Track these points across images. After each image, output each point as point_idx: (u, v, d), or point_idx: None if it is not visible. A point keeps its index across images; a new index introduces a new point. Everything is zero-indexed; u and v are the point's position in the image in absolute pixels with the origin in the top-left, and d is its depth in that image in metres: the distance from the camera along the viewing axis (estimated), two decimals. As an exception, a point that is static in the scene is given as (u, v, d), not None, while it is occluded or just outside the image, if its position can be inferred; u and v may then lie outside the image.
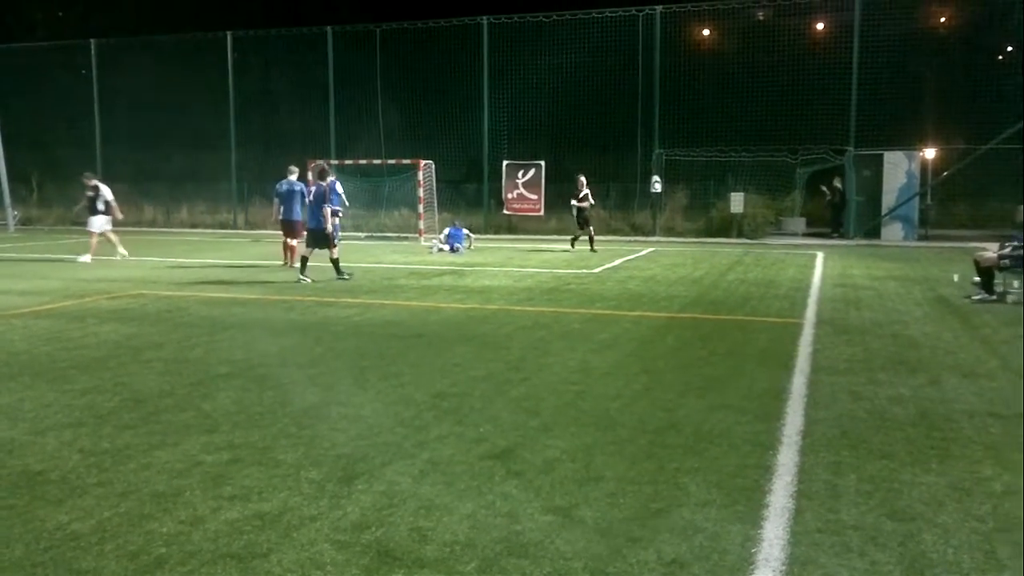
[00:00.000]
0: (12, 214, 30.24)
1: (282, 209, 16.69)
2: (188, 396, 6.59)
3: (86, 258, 17.79)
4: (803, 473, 4.84)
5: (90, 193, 18.44)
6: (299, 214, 16.35)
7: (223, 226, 30.67)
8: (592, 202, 21.04)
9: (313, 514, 4.27)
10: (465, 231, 21.22)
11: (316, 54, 30.05)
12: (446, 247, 20.52)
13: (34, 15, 47.56)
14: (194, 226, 30.95)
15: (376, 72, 29.61)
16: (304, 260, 14.40)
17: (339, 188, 17.57)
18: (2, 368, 7.63)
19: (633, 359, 8.05)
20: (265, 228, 29.37)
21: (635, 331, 9.58)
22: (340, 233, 24.77)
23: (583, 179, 20.69)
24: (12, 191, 30.72)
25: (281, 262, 17.14)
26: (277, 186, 16.81)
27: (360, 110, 30.04)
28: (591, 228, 20.79)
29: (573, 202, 20.80)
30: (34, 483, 4.70)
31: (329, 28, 29.94)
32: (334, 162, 27.80)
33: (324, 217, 14.26)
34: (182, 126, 30.96)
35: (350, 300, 12.02)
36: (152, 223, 31.51)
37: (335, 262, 14.45)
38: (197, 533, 4.04)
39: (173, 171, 32.20)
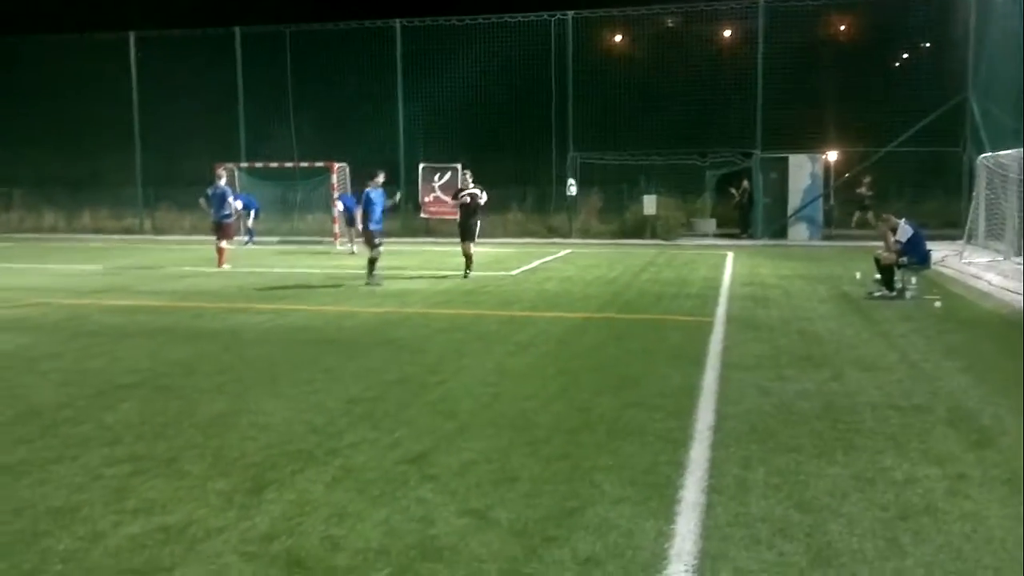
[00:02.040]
0: None
1: (213, 211, 17.53)
2: (88, 407, 6.31)
3: None
4: (714, 468, 4.93)
5: None
6: (231, 216, 17.93)
7: (128, 231, 29.60)
8: (481, 203, 15.40)
9: (220, 526, 4.13)
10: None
11: (225, 55, 29.28)
12: (354, 247, 20.39)
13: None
14: (98, 231, 29.78)
15: (287, 74, 29.02)
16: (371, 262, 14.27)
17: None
18: None
19: (549, 360, 8.08)
20: (174, 233, 28.60)
21: (552, 332, 9.63)
22: (256, 237, 24.53)
23: (467, 174, 15.89)
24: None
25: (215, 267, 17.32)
26: (208, 190, 17.70)
27: (271, 113, 29.37)
28: (470, 244, 15.46)
29: (451, 201, 16.36)
30: (-83, 504, 4.43)
31: (237, 28, 29.22)
32: (244, 165, 27.21)
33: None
34: (84, 129, 29.70)
35: (262, 306, 11.74)
36: (53, 229, 30.19)
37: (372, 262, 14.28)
38: (96, 549, 3.87)
39: (75, 175, 30.90)
